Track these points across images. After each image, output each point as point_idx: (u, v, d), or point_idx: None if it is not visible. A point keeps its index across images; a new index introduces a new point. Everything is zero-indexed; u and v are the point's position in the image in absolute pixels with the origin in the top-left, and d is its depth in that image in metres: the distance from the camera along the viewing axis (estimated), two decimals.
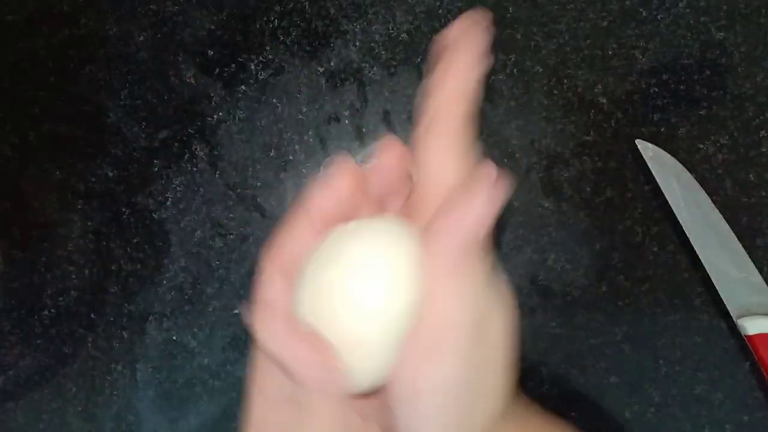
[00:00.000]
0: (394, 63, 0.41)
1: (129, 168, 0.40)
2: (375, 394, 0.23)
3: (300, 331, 0.22)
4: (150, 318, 0.39)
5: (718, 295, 0.37)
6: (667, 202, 0.38)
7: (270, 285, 0.23)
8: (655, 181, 0.38)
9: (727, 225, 0.38)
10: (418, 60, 0.41)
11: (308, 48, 0.41)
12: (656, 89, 0.40)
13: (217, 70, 0.41)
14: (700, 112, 0.40)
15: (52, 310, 0.40)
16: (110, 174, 0.40)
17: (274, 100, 0.41)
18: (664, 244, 0.39)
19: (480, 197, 0.21)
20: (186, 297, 0.39)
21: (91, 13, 0.42)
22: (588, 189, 0.39)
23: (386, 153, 0.25)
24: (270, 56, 0.41)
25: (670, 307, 0.38)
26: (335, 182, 0.23)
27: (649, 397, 0.38)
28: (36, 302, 0.40)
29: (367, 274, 0.22)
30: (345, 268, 0.22)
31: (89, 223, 0.40)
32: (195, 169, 0.40)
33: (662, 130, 0.39)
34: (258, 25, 0.41)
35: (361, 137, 0.40)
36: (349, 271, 0.22)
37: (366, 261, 0.22)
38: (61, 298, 0.40)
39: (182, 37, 0.41)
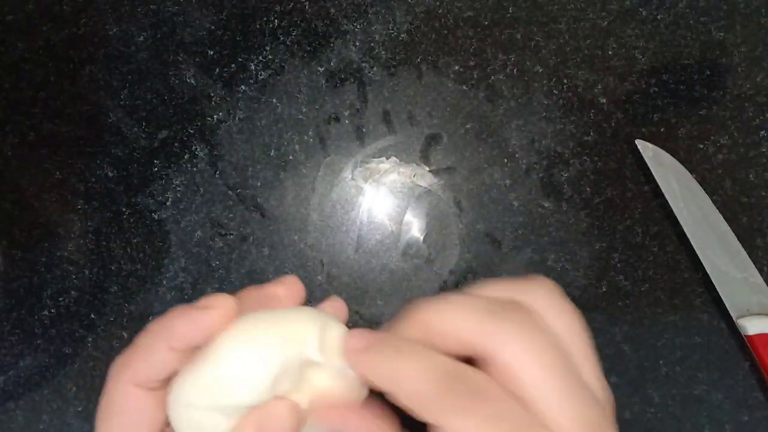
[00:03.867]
0: (394, 63, 0.41)
1: (129, 168, 0.40)
2: None
3: None
4: (150, 318, 0.39)
5: (718, 295, 0.37)
6: (667, 202, 0.38)
7: (122, 397, 0.23)
8: (655, 181, 0.38)
9: (727, 225, 0.38)
10: (418, 60, 0.41)
11: (308, 48, 0.41)
12: (656, 89, 0.40)
13: (217, 70, 0.41)
14: (700, 112, 0.40)
15: (52, 310, 0.40)
16: (110, 174, 0.40)
17: (274, 100, 0.41)
18: (664, 244, 0.39)
19: None
20: (186, 297, 0.39)
21: (91, 13, 0.42)
22: (588, 189, 0.39)
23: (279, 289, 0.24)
24: (270, 56, 0.41)
25: (670, 307, 0.38)
26: (203, 316, 0.22)
27: (649, 397, 0.38)
28: (36, 302, 0.40)
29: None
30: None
31: (89, 223, 0.40)
32: (195, 169, 0.40)
33: (662, 130, 0.39)
34: (258, 25, 0.41)
35: (361, 137, 0.40)
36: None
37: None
38: (61, 298, 0.40)
39: (182, 37, 0.41)
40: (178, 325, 0.22)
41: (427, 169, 0.40)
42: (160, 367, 0.22)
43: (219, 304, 0.22)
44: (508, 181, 0.40)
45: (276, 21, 0.41)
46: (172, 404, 0.22)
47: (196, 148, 0.41)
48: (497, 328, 0.19)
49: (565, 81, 0.40)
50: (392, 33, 0.41)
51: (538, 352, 0.19)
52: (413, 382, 0.19)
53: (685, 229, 0.38)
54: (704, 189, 0.38)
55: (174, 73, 0.41)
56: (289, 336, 0.22)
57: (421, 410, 0.19)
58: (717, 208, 0.38)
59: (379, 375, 0.20)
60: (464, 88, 0.40)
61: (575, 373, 0.19)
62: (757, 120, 0.39)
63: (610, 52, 0.40)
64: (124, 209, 0.40)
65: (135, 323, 0.39)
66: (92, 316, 0.39)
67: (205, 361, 0.22)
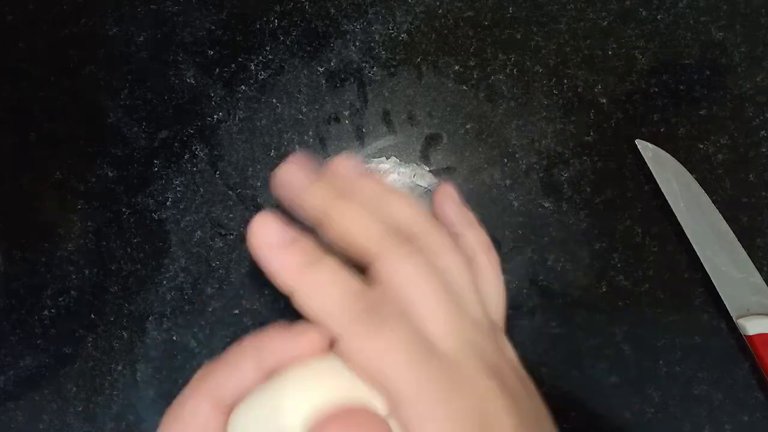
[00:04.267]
0: (394, 63, 0.41)
1: (129, 168, 0.40)
2: None
3: None
4: (150, 318, 0.39)
5: (718, 295, 0.37)
6: (667, 202, 0.38)
7: (193, 410, 0.23)
8: (655, 181, 0.38)
9: (727, 225, 0.38)
10: (418, 60, 0.41)
11: (308, 48, 0.41)
12: (656, 89, 0.40)
13: (217, 70, 0.41)
14: (700, 112, 0.40)
15: (52, 310, 0.40)
16: (110, 174, 0.40)
17: (274, 100, 0.41)
18: (664, 244, 0.39)
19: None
20: (186, 297, 0.39)
21: (91, 13, 0.42)
22: (588, 189, 0.39)
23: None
24: (270, 56, 0.41)
25: (670, 307, 0.38)
26: (299, 338, 0.23)
27: (649, 397, 0.38)
28: (36, 302, 0.40)
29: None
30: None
31: (89, 223, 0.40)
32: (195, 169, 0.40)
33: (662, 130, 0.39)
34: (258, 25, 0.41)
35: (361, 137, 0.40)
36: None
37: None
38: (61, 298, 0.40)
39: (182, 37, 0.41)
40: (272, 344, 0.23)
41: (427, 169, 0.40)
42: (241, 385, 0.23)
43: (314, 332, 0.23)
44: (508, 181, 0.40)
45: (276, 21, 0.41)
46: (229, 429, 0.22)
47: (196, 148, 0.41)
48: (391, 252, 0.24)
49: (565, 81, 0.40)
50: (392, 33, 0.41)
51: (422, 277, 0.24)
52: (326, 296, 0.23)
53: (685, 229, 0.38)
54: (704, 189, 0.38)
55: (174, 73, 0.41)
56: (360, 384, 0.21)
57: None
58: (717, 208, 0.38)
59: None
60: (464, 88, 0.40)
61: (453, 296, 0.24)
62: (757, 120, 0.39)
63: (610, 52, 0.40)
64: (124, 209, 0.40)
65: (135, 323, 0.39)
66: (92, 316, 0.39)
67: (266, 388, 0.21)
